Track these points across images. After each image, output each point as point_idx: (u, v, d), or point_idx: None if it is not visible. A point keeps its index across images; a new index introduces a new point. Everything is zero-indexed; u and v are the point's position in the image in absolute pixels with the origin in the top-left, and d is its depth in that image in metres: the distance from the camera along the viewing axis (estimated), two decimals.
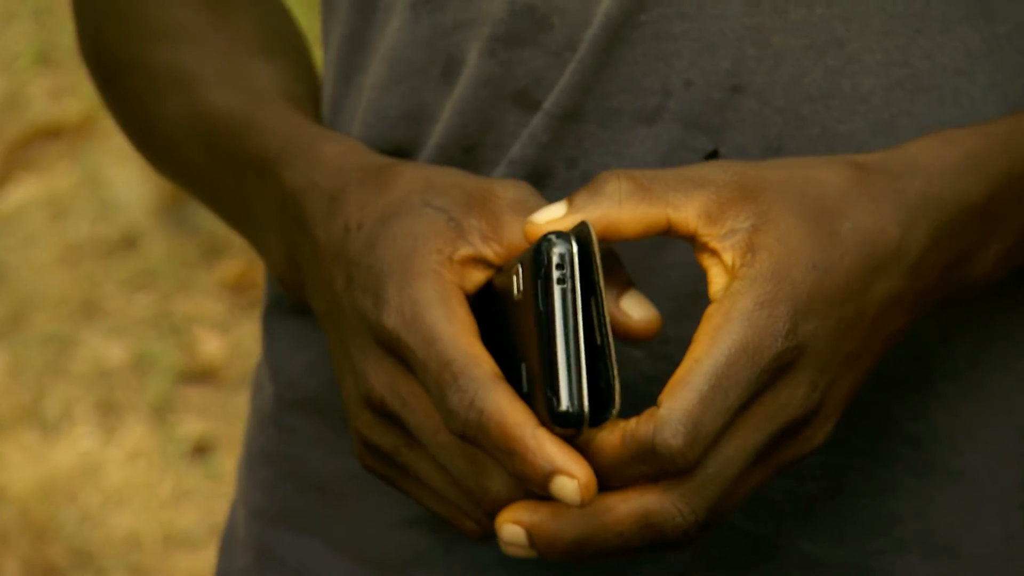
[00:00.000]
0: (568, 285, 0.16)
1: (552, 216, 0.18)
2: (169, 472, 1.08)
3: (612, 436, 0.16)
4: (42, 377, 1.12)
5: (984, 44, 0.22)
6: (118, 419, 1.09)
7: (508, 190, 0.20)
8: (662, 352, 0.21)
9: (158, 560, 1.02)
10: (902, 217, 0.18)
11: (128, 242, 1.23)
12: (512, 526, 0.17)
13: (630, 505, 0.16)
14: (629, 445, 0.16)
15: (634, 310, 0.18)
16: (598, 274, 0.16)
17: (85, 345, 1.15)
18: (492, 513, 0.17)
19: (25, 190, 1.30)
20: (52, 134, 1.26)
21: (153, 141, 0.29)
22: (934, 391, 0.24)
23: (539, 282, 0.16)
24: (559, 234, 0.16)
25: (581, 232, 0.16)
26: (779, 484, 0.21)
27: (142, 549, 1.04)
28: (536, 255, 0.16)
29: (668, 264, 0.21)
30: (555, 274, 0.16)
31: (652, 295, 0.18)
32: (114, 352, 1.14)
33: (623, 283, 0.18)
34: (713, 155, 0.21)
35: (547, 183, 0.22)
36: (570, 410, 0.16)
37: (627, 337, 0.18)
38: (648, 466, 0.16)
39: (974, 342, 0.24)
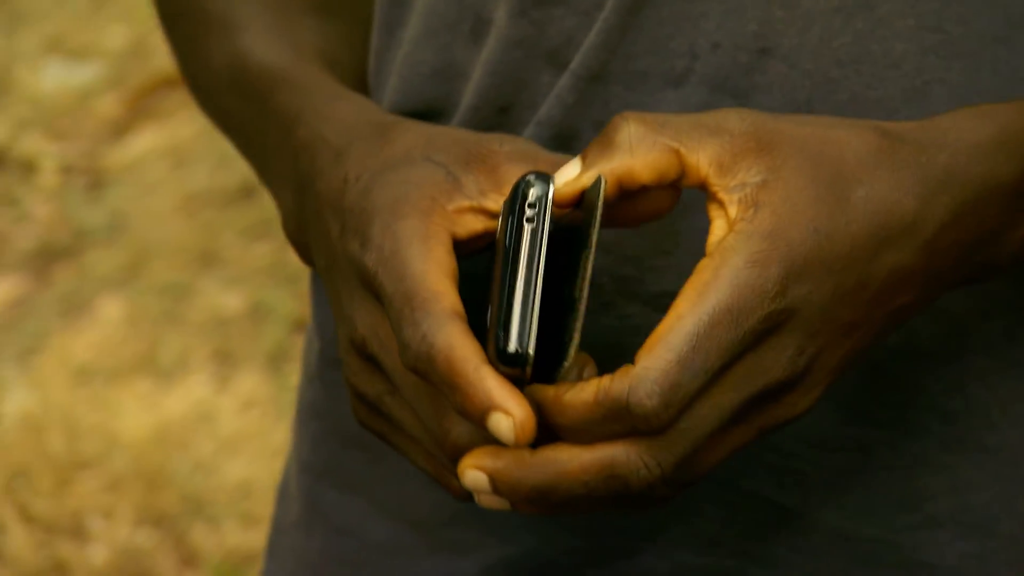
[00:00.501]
0: (537, 226, 0.16)
1: (568, 177, 0.18)
2: (282, 421, 1.09)
3: (585, 392, 0.16)
4: (159, 325, 1.15)
5: None
6: (233, 368, 1.11)
7: (506, 144, 0.20)
8: None
9: (269, 508, 1.01)
10: (921, 190, 0.18)
11: (246, 192, 1.25)
12: (474, 471, 0.17)
13: (594, 454, 0.16)
14: (602, 402, 0.16)
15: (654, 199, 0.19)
16: (594, 229, 0.16)
17: (202, 294, 1.18)
18: (455, 460, 0.17)
19: (146, 139, 1.37)
20: (174, 83, 1.29)
21: (199, 87, 0.30)
22: (969, 366, 0.24)
23: (511, 219, 0.17)
24: (538, 175, 0.17)
25: (593, 189, 0.17)
26: (808, 455, 0.23)
27: (253, 497, 1.04)
28: (512, 193, 0.17)
29: (695, 228, 0.20)
30: (527, 212, 0.16)
31: (678, 258, 0.20)
32: (231, 301, 1.16)
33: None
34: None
35: (573, 145, 0.22)
36: (517, 350, 0.16)
37: (639, 218, 0.19)
38: (621, 425, 0.16)
39: (1011, 317, 0.24)
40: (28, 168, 1.27)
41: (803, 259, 0.17)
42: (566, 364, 0.16)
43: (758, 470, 0.23)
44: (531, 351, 0.16)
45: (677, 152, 0.17)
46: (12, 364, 1.16)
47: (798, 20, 0.21)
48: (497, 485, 0.17)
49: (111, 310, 1.18)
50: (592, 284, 0.16)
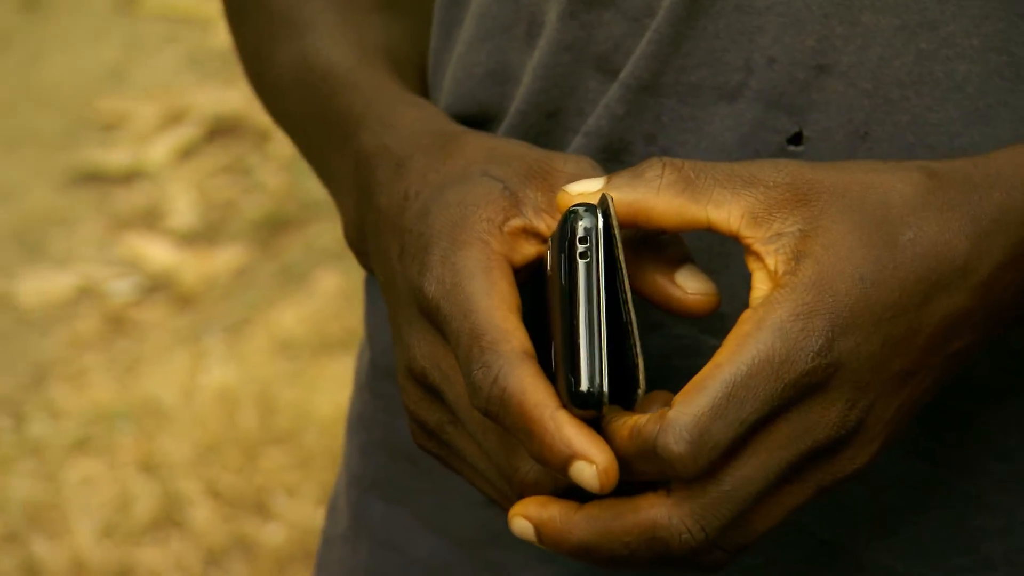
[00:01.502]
0: (592, 259, 0.17)
1: (585, 189, 0.19)
2: None
3: (623, 428, 0.17)
4: None
5: None
6: None
7: (569, 164, 0.20)
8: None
9: None
10: (973, 230, 0.19)
11: None
12: (521, 520, 0.18)
13: (638, 516, 0.17)
14: (635, 441, 0.16)
15: (689, 283, 0.19)
16: (619, 249, 0.17)
17: None
18: (521, 496, 0.19)
19: None
20: None
21: (263, 85, 0.32)
22: None
23: (563, 256, 0.17)
24: (586, 207, 0.17)
25: (602, 206, 0.18)
26: (857, 492, 0.23)
27: None
28: (561, 228, 0.17)
29: (743, 249, 0.21)
30: (579, 248, 0.17)
31: (728, 279, 0.21)
32: None
33: (679, 257, 0.20)
34: (796, 137, 0.23)
35: (624, 159, 0.23)
36: (590, 390, 0.16)
37: (682, 312, 0.19)
38: (652, 467, 0.17)
39: None
40: (262, 137, 1.37)
41: (849, 310, 0.17)
42: (639, 393, 0.17)
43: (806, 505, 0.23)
44: (605, 389, 0.16)
45: (707, 203, 0.18)
46: (220, 337, 1.20)
47: (858, 37, 0.22)
48: (542, 537, 0.18)
49: (328, 284, 1.20)
50: (637, 304, 0.18)
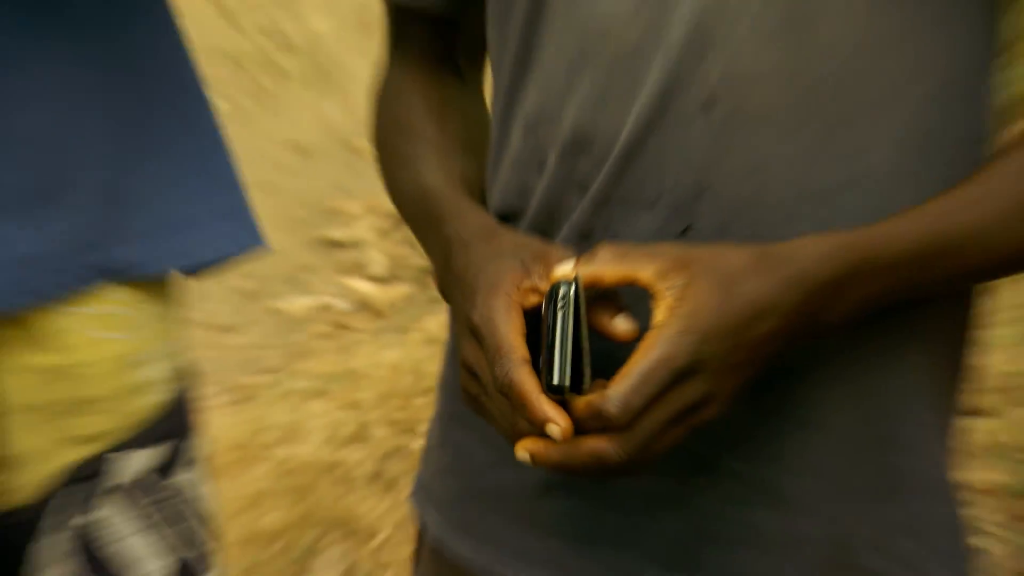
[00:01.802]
0: (566, 312, 0.27)
1: (565, 270, 0.28)
2: None
3: (579, 403, 0.26)
4: None
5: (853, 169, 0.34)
6: None
7: (558, 251, 0.30)
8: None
9: None
10: (778, 286, 0.28)
11: None
12: (522, 451, 0.27)
13: (589, 446, 0.26)
14: (588, 408, 0.26)
15: (622, 325, 0.28)
16: (582, 307, 0.27)
17: None
18: (519, 437, 0.28)
19: None
20: None
21: (394, 195, 0.44)
22: (809, 377, 0.35)
23: (550, 307, 0.27)
24: (565, 282, 0.27)
25: (574, 281, 0.27)
26: (713, 424, 0.31)
27: None
28: (550, 293, 0.27)
29: (648, 312, 0.30)
30: (559, 303, 0.27)
31: (643, 310, 0.28)
32: None
33: (617, 308, 0.29)
34: (685, 230, 0.33)
35: (590, 241, 0.33)
36: (559, 384, 0.26)
37: (618, 339, 0.28)
38: (596, 423, 0.25)
39: (833, 357, 0.35)
40: None
41: (708, 330, 0.26)
42: (585, 386, 0.27)
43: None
44: (567, 384, 0.26)
45: (633, 269, 0.28)
46: (394, 335, 1.69)
47: (723, 176, 0.33)
48: (534, 459, 0.27)
49: None
50: (592, 334, 0.27)
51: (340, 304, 1.80)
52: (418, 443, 1.40)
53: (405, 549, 1.24)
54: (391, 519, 1.31)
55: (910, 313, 0.36)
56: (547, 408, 0.26)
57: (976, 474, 1.22)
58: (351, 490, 1.34)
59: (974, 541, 0.44)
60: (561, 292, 0.28)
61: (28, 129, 0.54)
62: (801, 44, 0.34)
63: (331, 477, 1.37)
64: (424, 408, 1.48)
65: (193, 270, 0.57)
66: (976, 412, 1.31)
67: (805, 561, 0.39)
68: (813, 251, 0.30)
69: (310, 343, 1.71)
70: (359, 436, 1.40)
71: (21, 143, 0.54)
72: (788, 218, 0.33)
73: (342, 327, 1.74)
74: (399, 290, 1.85)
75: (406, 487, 1.01)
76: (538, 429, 0.27)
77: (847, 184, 0.34)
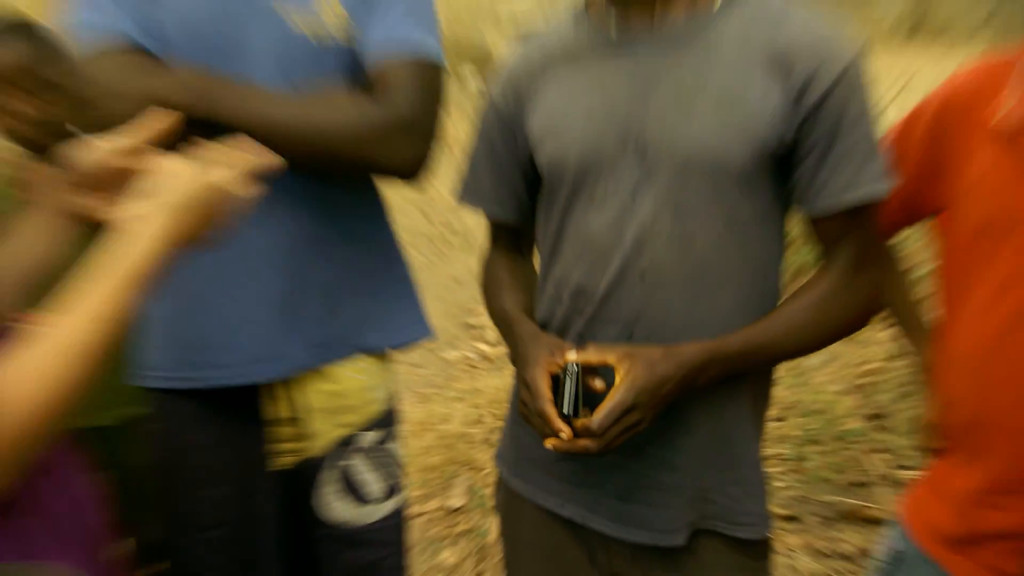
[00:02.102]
0: (571, 377, 0.65)
1: (571, 355, 0.65)
2: None
3: (578, 423, 0.62)
4: None
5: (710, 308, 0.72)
6: None
7: (568, 345, 0.66)
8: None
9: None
10: (673, 367, 0.64)
11: None
12: (548, 444, 0.64)
13: (581, 444, 0.61)
14: (582, 427, 0.60)
15: (597, 384, 0.66)
16: (580, 378, 0.64)
17: None
18: (546, 437, 0.63)
19: None
20: None
21: (490, 313, 0.82)
22: (685, 414, 0.73)
23: (563, 374, 0.65)
24: (571, 362, 0.65)
25: (576, 363, 0.66)
26: (640, 438, 0.66)
27: None
28: (564, 367, 0.64)
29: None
30: (568, 372, 0.65)
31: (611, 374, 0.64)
32: None
33: (596, 375, 0.66)
34: (629, 336, 0.69)
35: (583, 342, 0.68)
36: (566, 413, 0.65)
37: (596, 391, 0.65)
38: (587, 434, 0.61)
39: (704, 403, 0.72)
40: None
41: (640, 389, 0.62)
42: (580, 414, 0.62)
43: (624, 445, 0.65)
44: (571, 413, 0.63)
45: (605, 357, 0.64)
46: (502, 372, 2.80)
47: (649, 309, 0.69)
48: (554, 448, 0.63)
49: None
50: (584, 388, 0.65)
51: (472, 355, 3.04)
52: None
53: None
54: (491, 464, 1.92)
55: (742, 375, 0.69)
56: (560, 425, 0.58)
57: (770, 450, 2.04)
58: (473, 448, 2.24)
59: (769, 489, 0.78)
60: (569, 366, 0.61)
61: (325, 275, 0.95)
62: (688, 248, 0.67)
63: (464, 441, 2.27)
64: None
65: (401, 346, 1.02)
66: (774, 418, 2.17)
67: (683, 498, 0.74)
68: (689, 351, 0.63)
69: (457, 374, 2.86)
70: (478, 422, 2.36)
71: (322, 285, 0.95)
72: (678, 334, 0.66)
73: (473, 366, 2.95)
74: (500, 350, 3.03)
75: None
76: (554, 434, 0.57)
77: (709, 317, 0.67)
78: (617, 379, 0.67)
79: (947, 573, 0.88)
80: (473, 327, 3.38)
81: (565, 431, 0.66)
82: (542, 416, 0.67)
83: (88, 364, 0.54)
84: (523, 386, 0.73)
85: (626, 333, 0.74)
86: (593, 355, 0.69)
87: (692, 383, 0.69)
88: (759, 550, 0.83)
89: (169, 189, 0.60)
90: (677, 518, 0.78)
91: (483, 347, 3.17)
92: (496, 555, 1.79)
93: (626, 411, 0.65)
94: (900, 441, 2.04)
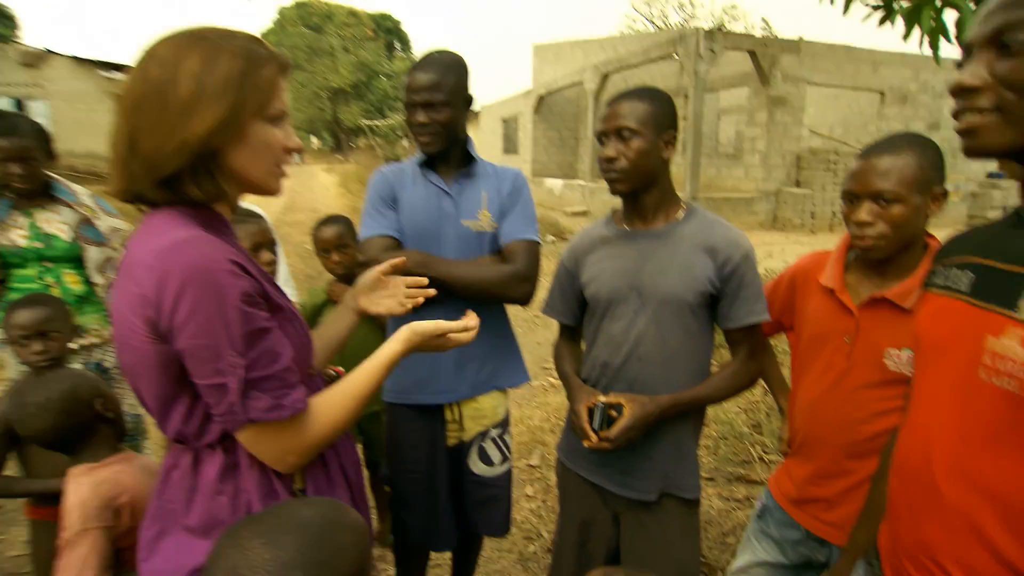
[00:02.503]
0: (599, 411, 1.31)
1: (601, 397, 1.29)
2: None
3: (603, 434, 1.26)
4: None
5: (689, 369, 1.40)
6: None
7: (598, 392, 1.32)
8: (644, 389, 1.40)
9: None
10: (655, 407, 1.33)
11: None
12: (585, 444, 1.30)
13: (603, 446, 1.27)
14: (605, 436, 1.25)
15: (613, 414, 1.31)
16: (604, 410, 1.29)
17: None
18: (584, 439, 1.30)
19: None
20: None
21: (559, 372, 1.55)
22: (661, 429, 1.39)
23: (595, 409, 1.32)
24: (601, 402, 1.30)
25: (602, 402, 1.31)
26: (633, 443, 1.33)
27: None
28: (595, 404, 1.31)
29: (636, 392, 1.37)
30: (598, 408, 1.33)
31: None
32: None
33: (613, 408, 1.28)
34: (631, 388, 1.41)
35: (607, 391, 1.36)
36: (596, 428, 1.31)
37: (612, 417, 1.29)
38: (608, 441, 1.26)
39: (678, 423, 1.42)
40: None
41: (637, 419, 1.29)
42: (603, 431, 1.27)
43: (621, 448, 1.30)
44: (598, 429, 1.26)
45: (618, 399, 1.29)
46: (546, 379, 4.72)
47: (646, 377, 1.39)
48: (589, 447, 1.29)
49: None
50: (607, 417, 1.29)
51: (545, 383, 4.80)
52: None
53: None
54: (554, 445, 3.66)
55: (691, 410, 1.35)
56: (592, 435, 1.23)
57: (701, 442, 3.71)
58: (544, 433, 3.55)
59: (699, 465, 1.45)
60: (598, 404, 1.26)
61: (478, 348, 1.60)
62: (663, 345, 1.34)
63: (540, 430, 3.60)
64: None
65: (513, 386, 1.79)
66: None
67: (655, 474, 1.38)
68: (663, 399, 1.29)
69: (538, 393, 4.36)
70: (547, 419, 4.05)
71: (476, 354, 1.72)
72: (656, 389, 1.32)
73: (545, 390, 4.65)
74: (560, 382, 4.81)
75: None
76: (588, 439, 1.23)
77: (673, 381, 1.33)
78: (625, 412, 1.24)
79: (791, 519, 1.48)
80: (546, 368, 5.04)
81: (594, 439, 1.23)
82: (582, 430, 1.26)
83: (361, 402, 0.98)
84: (573, 413, 1.34)
85: (629, 388, 1.36)
86: (611, 398, 1.28)
87: (663, 415, 1.30)
88: (694, 504, 1.45)
89: (414, 330, 1.09)
90: (651, 486, 1.40)
91: (551, 379, 4.66)
92: (553, 492, 2.90)
93: (628, 430, 1.24)
94: (766, 440, 3.68)
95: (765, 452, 3.37)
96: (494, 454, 1.83)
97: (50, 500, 1.61)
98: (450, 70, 1.62)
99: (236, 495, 0.94)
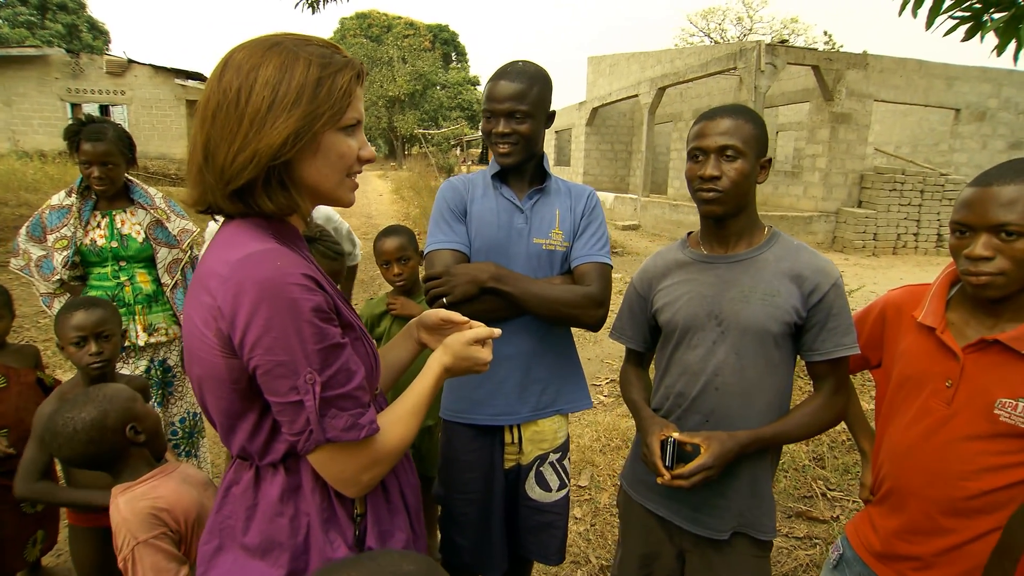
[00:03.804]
0: (671, 445, 1.29)
1: (673, 431, 1.30)
2: None
3: (675, 472, 1.24)
4: None
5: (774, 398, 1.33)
6: None
7: (672, 425, 1.34)
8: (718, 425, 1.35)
9: None
10: (734, 444, 1.27)
11: None
12: (658, 480, 1.26)
13: (676, 483, 1.25)
14: (679, 474, 1.24)
15: (689, 449, 1.27)
16: (676, 446, 1.27)
17: None
18: (656, 475, 1.27)
19: None
20: None
21: (625, 399, 1.49)
22: (736, 471, 1.37)
23: (667, 443, 1.30)
24: (673, 438, 1.29)
25: (674, 438, 1.28)
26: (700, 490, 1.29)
27: None
28: (667, 439, 1.29)
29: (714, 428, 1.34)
30: (669, 443, 1.30)
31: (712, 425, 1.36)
32: None
33: (687, 445, 1.25)
34: (706, 422, 1.36)
35: (681, 425, 1.37)
36: (668, 466, 1.28)
37: (689, 453, 1.25)
38: (682, 479, 1.25)
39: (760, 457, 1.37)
40: None
41: (716, 457, 1.24)
42: (675, 468, 1.25)
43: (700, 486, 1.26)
44: (671, 466, 1.25)
45: (692, 437, 1.27)
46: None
47: (723, 399, 1.34)
48: (661, 483, 1.26)
49: None
50: (680, 453, 1.27)
51: (595, 402, 4.76)
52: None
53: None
54: (604, 463, 3.52)
55: (769, 448, 1.29)
56: (664, 472, 1.22)
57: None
58: (595, 454, 3.56)
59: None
60: (670, 439, 1.25)
61: (541, 371, 1.68)
62: (743, 376, 1.30)
63: (590, 450, 3.61)
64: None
65: (575, 411, 1.75)
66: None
67: (729, 513, 1.34)
68: (742, 436, 1.24)
69: (588, 411, 4.64)
70: (597, 439, 4.02)
71: (539, 377, 1.67)
72: (734, 424, 1.28)
73: (595, 409, 4.66)
74: (610, 399, 4.74)
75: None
76: (660, 476, 1.21)
77: (753, 416, 1.29)
78: (703, 450, 1.24)
79: (872, 572, 1.37)
80: (595, 385, 4.91)
81: (666, 476, 1.24)
82: (654, 466, 1.28)
83: (421, 419, 1.00)
84: (645, 445, 1.32)
85: (704, 421, 1.32)
86: (686, 437, 1.26)
87: (741, 453, 1.26)
88: (767, 546, 1.41)
89: (454, 353, 1.08)
90: (724, 524, 1.36)
91: (600, 397, 4.66)
92: (602, 515, 2.92)
93: (706, 468, 1.23)
94: (829, 476, 3.49)
95: (828, 488, 3.23)
96: (552, 480, 1.76)
97: (90, 507, 1.65)
98: (535, 81, 1.59)
99: (295, 517, 0.92)
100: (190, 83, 21.91)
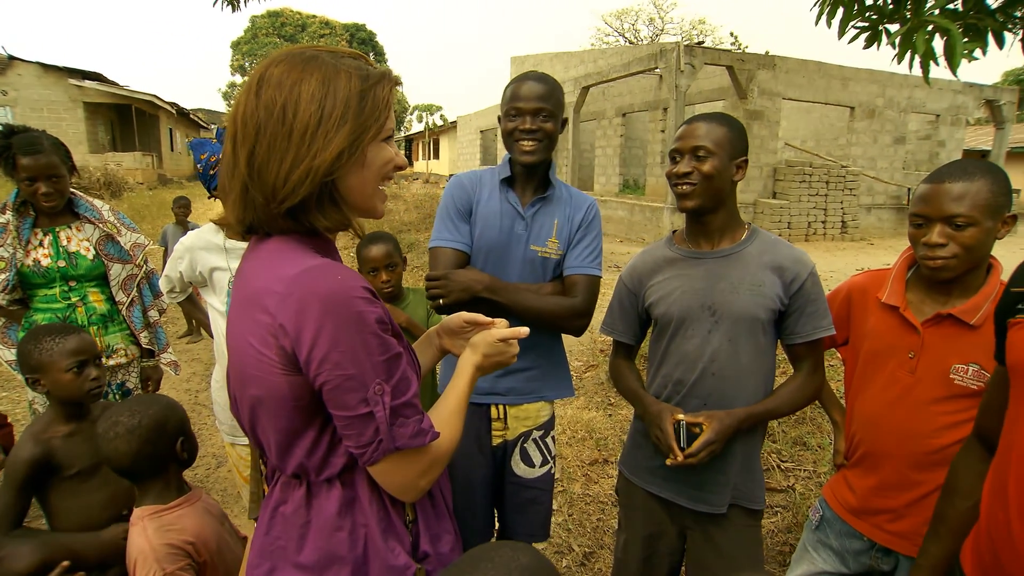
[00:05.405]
0: (682, 427, 1.42)
1: (680, 415, 1.41)
2: None
3: (687, 451, 1.38)
4: None
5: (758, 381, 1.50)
6: None
7: (678, 410, 1.43)
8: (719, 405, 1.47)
9: None
10: (731, 421, 1.42)
11: None
12: (668, 461, 1.39)
13: (687, 462, 1.38)
14: (688, 453, 1.37)
15: (695, 430, 1.39)
16: (686, 425, 1.41)
17: None
18: (667, 456, 1.40)
19: None
20: None
21: (618, 389, 1.64)
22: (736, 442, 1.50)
23: (677, 424, 1.43)
24: (682, 420, 1.42)
25: (684, 420, 1.41)
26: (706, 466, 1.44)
27: None
28: (678, 422, 1.42)
29: (716, 407, 1.47)
30: (681, 425, 1.43)
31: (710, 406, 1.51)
32: None
33: (695, 425, 1.37)
34: (705, 405, 1.49)
35: (683, 409, 1.46)
36: (682, 447, 1.41)
37: (694, 433, 1.37)
38: (691, 456, 1.38)
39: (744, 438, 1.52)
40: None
41: (718, 433, 1.38)
42: (686, 447, 1.39)
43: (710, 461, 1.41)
44: (683, 446, 1.38)
45: (696, 418, 1.40)
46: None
47: (718, 385, 1.47)
48: (672, 464, 1.40)
49: None
50: (689, 431, 1.40)
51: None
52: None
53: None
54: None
55: (759, 424, 1.46)
56: (677, 451, 1.37)
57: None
58: (562, 445, 4.16)
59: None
60: (680, 421, 1.39)
61: (529, 362, 1.77)
62: (736, 361, 1.44)
63: (562, 439, 4.23)
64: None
65: (558, 398, 1.95)
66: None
67: (726, 488, 1.49)
68: (738, 413, 1.41)
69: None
70: (572, 436, 4.33)
71: (525, 367, 1.79)
72: (730, 404, 1.43)
73: (565, 401, 4.80)
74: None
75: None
76: (674, 457, 1.34)
77: (745, 396, 1.44)
78: (705, 428, 1.37)
79: (853, 529, 1.51)
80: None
81: (680, 456, 1.36)
82: (670, 448, 1.38)
83: (463, 417, 1.02)
84: (658, 429, 1.44)
85: (702, 404, 1.47)
86: (691, 417, 1.40)
87: (738, 429, 1.41)
88: (759, 514, 1.56)
89: (484, 352, 1.11)
90: (722, 499, 1.49)
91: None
92: (577, 504, 3.06)
93: (711, 443, 1.35)
94: (782, 449, 3.78)
95: (781, 460, 3.47)
96: (535, 455, 1.83)
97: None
98: (556, 87, 1.70)
99: (354, 530, 0.92)
100: (88, 84, 20.33)
